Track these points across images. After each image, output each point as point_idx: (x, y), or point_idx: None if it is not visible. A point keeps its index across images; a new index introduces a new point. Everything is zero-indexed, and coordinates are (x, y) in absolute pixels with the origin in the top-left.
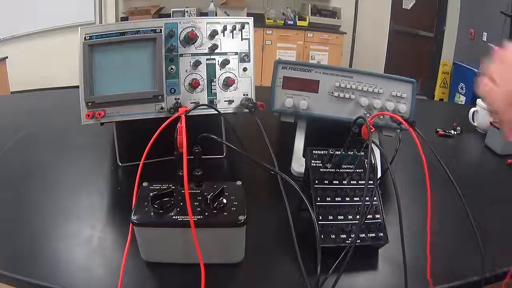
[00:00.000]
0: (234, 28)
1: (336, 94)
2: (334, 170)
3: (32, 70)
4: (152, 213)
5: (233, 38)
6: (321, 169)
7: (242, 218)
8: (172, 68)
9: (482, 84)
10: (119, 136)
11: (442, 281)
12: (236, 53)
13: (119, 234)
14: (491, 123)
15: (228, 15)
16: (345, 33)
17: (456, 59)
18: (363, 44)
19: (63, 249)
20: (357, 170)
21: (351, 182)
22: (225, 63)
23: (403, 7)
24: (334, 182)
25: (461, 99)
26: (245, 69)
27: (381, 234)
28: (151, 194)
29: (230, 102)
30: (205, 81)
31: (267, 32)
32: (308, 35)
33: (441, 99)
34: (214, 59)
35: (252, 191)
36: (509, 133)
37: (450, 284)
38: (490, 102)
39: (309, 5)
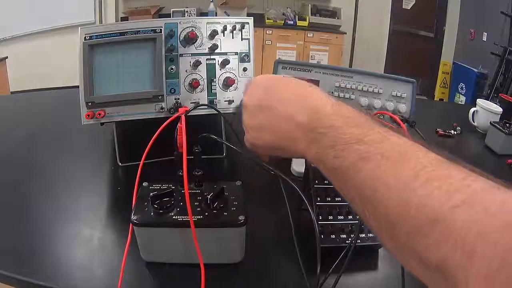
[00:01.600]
0: (234, 28)
1: (336, 94)
2: None
3: (32, 70)
4: (152, 213)
5: (233, 38)
6: None
7: (242, 218)
8: (172, 68)
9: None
10: (119, 136)
11: None
12: (236, 53)
13: (119, 234)
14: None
15: (228, 15)
16: (345, 33)
17: (456, 59)
18: (363, 44)
19: (63, 249)
20: None
21: None
22: (225, 63)
23: (403, 7)
24: None
25: (461, 99)
26: (245, 69)
27: None
28: (151, 194)
29: (230, 102)
30: (205, 81)
31: (267, 32)
32: (308, 35)
33: (441, 99)
34: (214, 59)
35: (252, 191)
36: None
37: None
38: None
39: (309, 5)
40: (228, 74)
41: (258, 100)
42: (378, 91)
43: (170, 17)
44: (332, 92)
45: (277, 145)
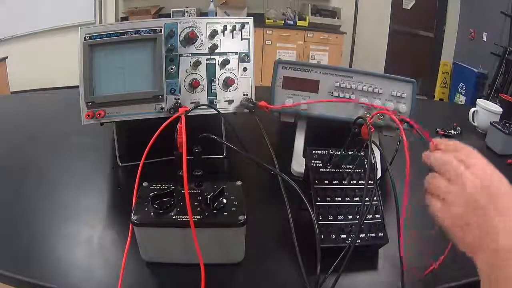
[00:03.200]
0: (234, 28)
1: (336, 94)
2: (334, 170)
3: (32, 70)
4: (152, 213)
5: (233, 38)
6: (321, 169)
7: (242, 218)
8: (172, 68)
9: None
10: (119, 136)
11: (438, 281)
12: (236, 53)
13: (119, 234)
14: None
15: (228, 15)
16: (345, 33)
17: (456, 59)
18: (363, 44)
19: (63, 249)
20: (357, 170)
21: (351, 182)
22: (225, 63)
23: (403, 7)
24: (334, 182)
25: (461, 99)
26: (245, 69)
27: (381, 234)
28: (151, 194)
29: (230, 102)
30: (205, 81)
31: (267, 32)
32: (308, 35)
33: (441, 99)
34: (214, 59)
35: (252, 191)
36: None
37: (445, 285)
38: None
39: (309, 5)
40: (228, 74)
41: (480, 190)
42: (378, 91)
43: (170, 17)
44: (332, 92)
45: (463, 233)
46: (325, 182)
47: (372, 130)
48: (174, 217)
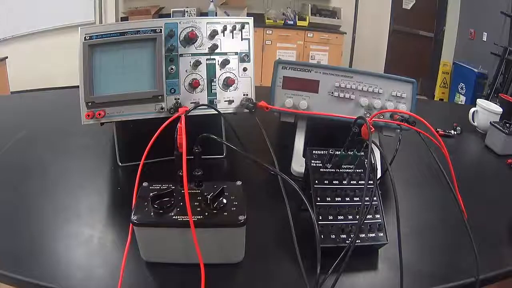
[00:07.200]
0: (234, 28)
1: (336, 94)
2: (334, 170)
3: (32, 70)
4: (152, 213)
5: (233, 38)
6: (321, 169)
7: (242, 218)
8: (172, 68)
9: None
10: (119, 136)
11: (438, 281)
12: (236, 53)
13: (119, 234)
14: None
15: (228, 15)
16: (345, 33)
17: (456, 59)
18: (363, 44)
19: (63, 249)
20: (357, 170)
21: (351, 182)
22: (225, 63)
23: (403, 7)
24: (334, 182)
25: (461, 99)
26: (245, 69)
27: (381, 234)
28: (151, 194)
29: (230, 102)
30: (205, 81)
31: (267, 32)
32: (308, 35)
33: (441, 99)
34: (214, 59)
35: (252, 191)
36: None
37: (445, 285)
38: None
39: (309, 5)
40: (228, 74)
41: None
42: (378, 91)
43: (170, 17)
44: (332, 92)
45: None
46: (325, 182)
47: (372, 130)
48: (174, 217)
